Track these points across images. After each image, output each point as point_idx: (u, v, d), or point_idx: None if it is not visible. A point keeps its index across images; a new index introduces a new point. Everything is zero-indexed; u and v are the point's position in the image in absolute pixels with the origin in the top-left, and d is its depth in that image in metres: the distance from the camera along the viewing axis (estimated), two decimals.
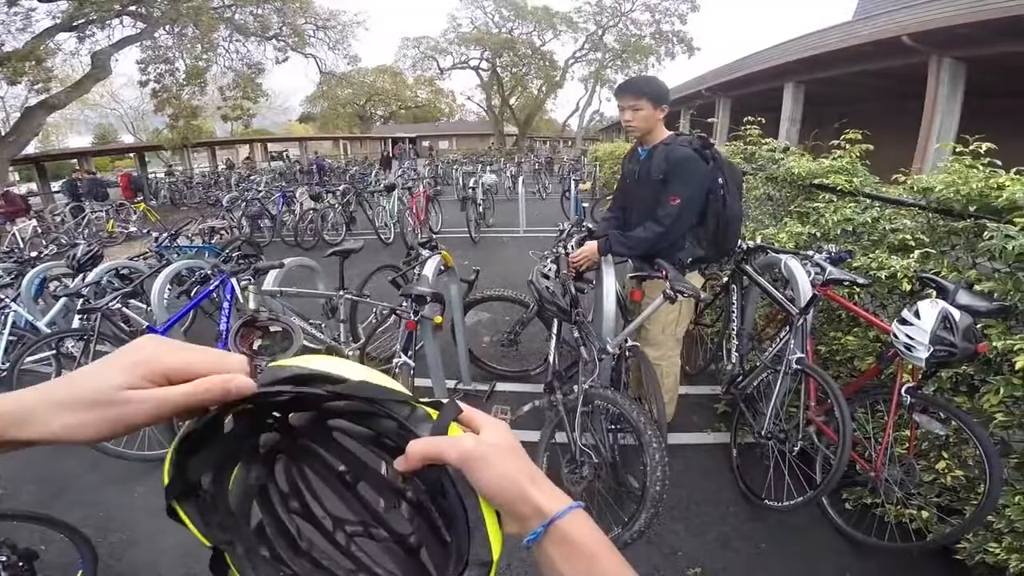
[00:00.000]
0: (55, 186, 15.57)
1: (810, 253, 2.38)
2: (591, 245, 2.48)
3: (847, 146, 3.13)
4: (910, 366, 1.88)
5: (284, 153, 28.70)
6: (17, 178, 19.08)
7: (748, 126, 4.16)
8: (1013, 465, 1.71)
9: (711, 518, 2.29)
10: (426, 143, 37.86)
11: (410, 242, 3.45)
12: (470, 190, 8.37)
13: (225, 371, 0.37)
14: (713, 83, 16.25)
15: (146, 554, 2.18)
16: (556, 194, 11.50)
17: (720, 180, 2.31)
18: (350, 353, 3.17)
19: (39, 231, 9.10)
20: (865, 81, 11.94)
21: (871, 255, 2.39)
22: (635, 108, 2.33)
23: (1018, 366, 1.59)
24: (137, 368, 0.36)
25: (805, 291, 2.26)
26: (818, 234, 2.84)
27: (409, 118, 40.03)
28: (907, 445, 1.97)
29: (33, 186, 17.94)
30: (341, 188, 9.22)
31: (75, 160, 19.83)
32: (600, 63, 27.96)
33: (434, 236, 3.58)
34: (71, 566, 1.99)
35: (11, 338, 3.37)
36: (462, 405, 0.44)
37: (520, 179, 9.73)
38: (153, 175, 18.28)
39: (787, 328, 2.35)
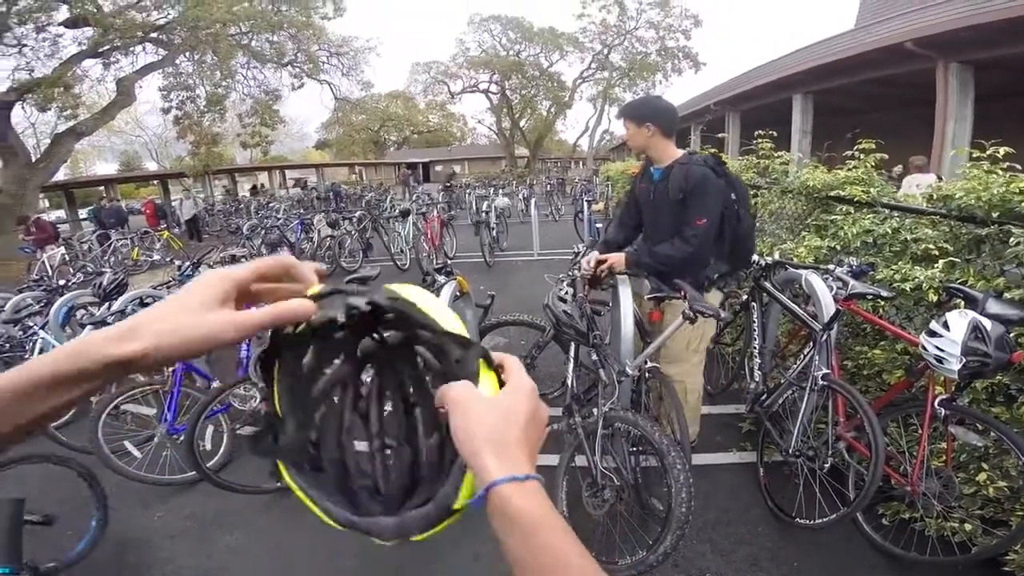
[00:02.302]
0: (82, 213, 16.03)
1: (831, 267, 2.36)
2: (616, 255, 2.48)
3: (861, 156, 3.10)
4: (942, 378, 1.84)
5: (305, 180, 29.32)
6: (47, 204, 19.70)
7: (760, 140, 4.16)
8: None
9: (739, 538, 2.24)
10: (439, 168, 38.43)
11: (425, 268, 3.47)
12: (483, 214, 8.43)
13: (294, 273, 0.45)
14: (721, 97, 16.32)
15: None
16: (569, 215, 11.55)
17: (732, 196, 2.33)
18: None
19: (67, 259, 9.36)
20: (874, 90, 11.89)
21: (894, 267, 2.36)
22: (626, 129, 2.44)
23: None
24: (214, 290, 0.40)
25: (827, 306, 2.23)
26: (838, 247, 2.81)
27: (422, 143, 40.74)
28: (944, 458, 1.93)
29: (62, 213, 18.50)
30: (357, 215, 9.34)
31: (102, 187, 20.48)
32: (608, 82, 28.27)
33: (449, 261, 3.60)
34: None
35: None
36: (500, 355, 0.47)
37: (533, 201, 9.80)
38: (177, 200, 18.77)
39: (811, 344, 2.31)
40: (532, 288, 6.18)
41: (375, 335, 0.49)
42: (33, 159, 12.27)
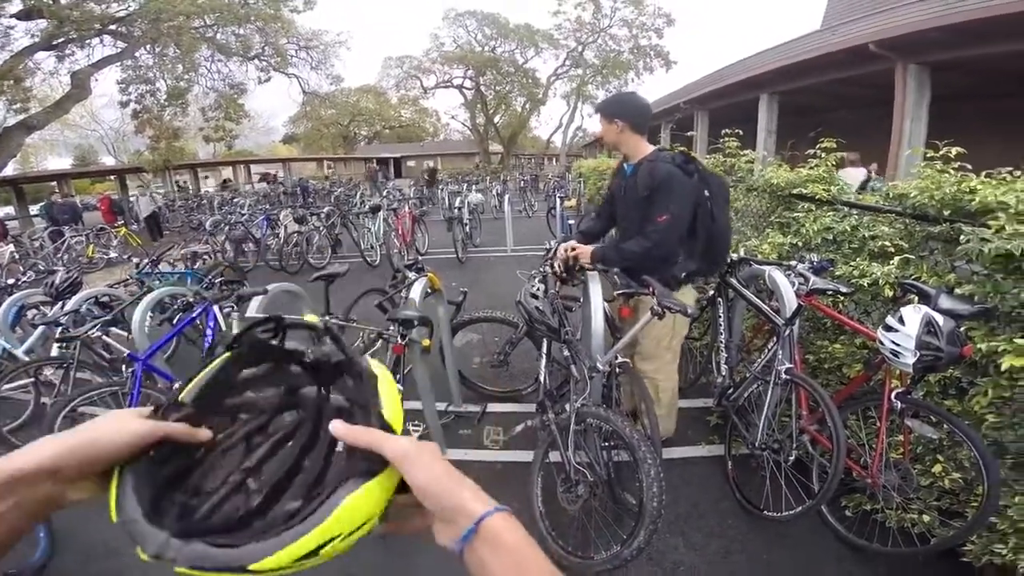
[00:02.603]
0: (33, 209, 15.27)
1: (793, 263, 2.42)
2: (585, 248, 2.50)
3: (823, 155, 3.18)
4: (898, 372, 1.90)
5: (272, 175, 28.55)
6: None
7: (726, 138, 4.23)
8: (1009, 466, 1.72)
9: (711, 531, 2.28)
10: (411, 163, 37.99)
11: (396, 264, 3.42)
12: (456, 210, 8.34)
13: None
14: (690, 96, 16.62)
15: None
16: (542, 211, 11.57)
17: (706, 193, 2.34)
18: None
19: (16, 256, 8.89)
20: (839, 90, 12.30)
21: (852, 263, 2.42)
22: (600, 125, 2.46)
23: (1003, 367, 1.61)
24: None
25: (790, 302, 2.28)
26: (799, 244, 2.88)
27: (393, 138, 40.21)
28: (902, 450, 1.98)
29: (11, 209, 17.58)
30: (326, 210, 9.15)
31: (54, 182, 19.54)
32: (581, 79, 28.45)
33: (420, 258, 3.56)
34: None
35: None
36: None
37: (506, 197, 9.77)
38: (135, 197, 18.02)
39: (774, 339, 2.36)
40: (505, 284, 6.16)
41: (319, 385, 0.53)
42: None
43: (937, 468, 1.91)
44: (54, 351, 3.28)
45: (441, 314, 3.10)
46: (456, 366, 3.31)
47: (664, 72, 28.49)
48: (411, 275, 2.95)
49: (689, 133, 8.35)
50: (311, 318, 0.56)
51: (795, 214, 3.03)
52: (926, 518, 1.90)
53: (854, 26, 10.39)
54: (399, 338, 2.40)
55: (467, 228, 8.51)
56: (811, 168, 3.14)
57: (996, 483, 1.61)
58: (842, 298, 2.32)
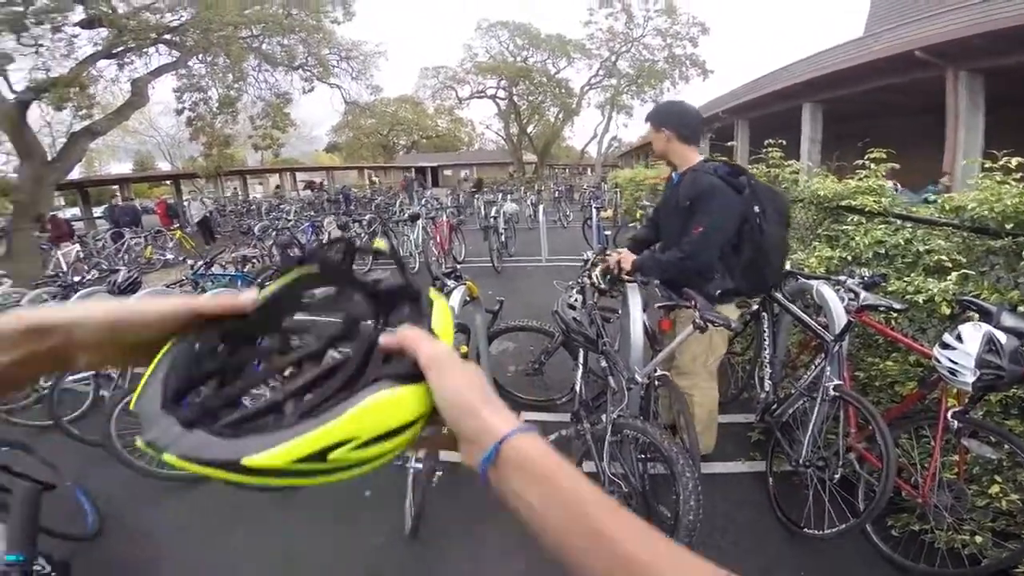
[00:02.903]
0: (97, 211, 16.23)
1: (842, 278, 2.34)
2: (628, 255, 2.50)
3: (872, 165, 3.08)
4: (955, 391, 1.83)
5: (317, 183, 29.50)
6: (62, 203, 19.96)
7: (769, 148, 4.15)
8: None
9: (748, 548, 2.23)
10: (447, 172, 38.55)
11: (434, 272, 3.48)
12: (492, 220, 8.41)
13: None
14: (729, 105, 16.28)
15: (172, 572, 2.25)
16: (577, 222, 11.53)
17: (756, 208, 2.26)
18: None
19: (81, 256, 9.46)
20: (884, 97, 11.84)
21: (906, 278, 2.34)
22: (651, 134, 2.44)
23: None
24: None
25: (839, 317, 2.21)
26: (849, 258, 2.80)
27: (430, 147, 40.95)
28: (956, 470, 1.92)
29: (77, 211, 18.72)
30: (367, 218, 9.43)
31: (116, 186, 20.73)
32: (616, 89, 28.34)
33: (458, 266, 3.62)
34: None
35: None
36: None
37: (541, 208, 9.79)
38: (187, 201, 18.91)
39: (822, 355, 2.29)
40: (540, 293, 6.20)
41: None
42: (49, 158, 12.44)
43: (994, 489, 1.83)
44: None
45: (478, 322, 3.14)
46: (491, 374, 3.34)
47: (701, 81, 28.10)
48: (450, 283, 3.00)
49: (729, 143, 8.21)
50: (379, 243, 0.52)
51: (844, 227, 2.95)
52: (979, 539, 1.83)
53: (899, 32, 10.02)
54: None
55: (503, 238, 8.57)
56: (860, 179, 3.05)
57: None
58: (895, 315, 2.25)
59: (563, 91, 29.76)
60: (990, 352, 1.60)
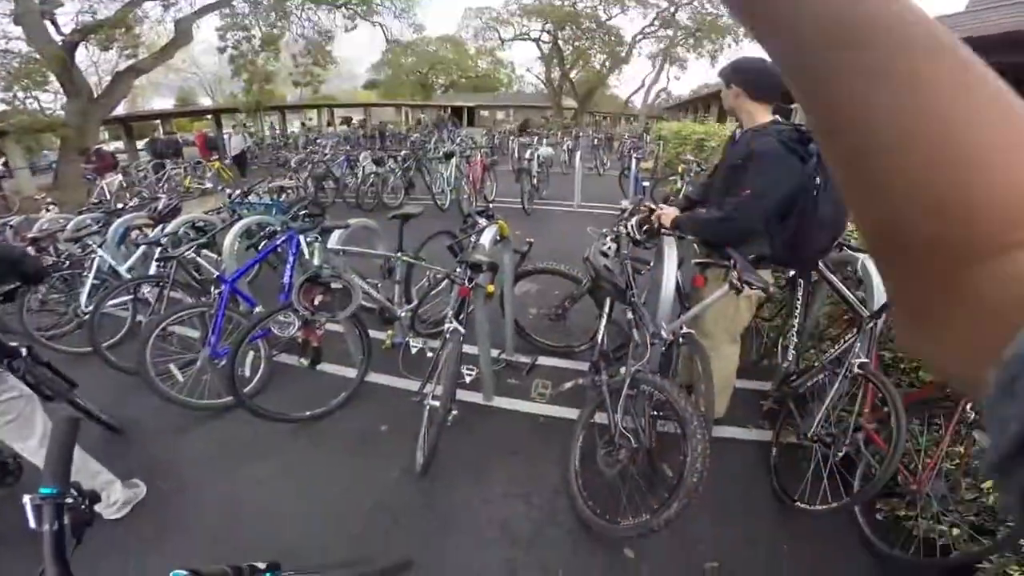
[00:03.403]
0: (140, 144, 16.67)
1: None
2: (670, 210, 2.40)
3: None
4: None
5: (352, 119, 29.35)
6: (107, 136, 20.61)
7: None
8: None
9: (738, 513, 2.23)
10: (484, 112, 37.62)
11: (465, 209, 3.46)
12: (526, 162, 8.28)
13: None
14: None
15: (191, 503, 2.29)
16: (614, 171, 11.19)
17: (818, 180, 2.09)
18: (402, 313, 3.24)
19: (124, 185, 9.76)
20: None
21: None
22: (725, 88, 2.25)
23: None
24: None
25: (880, 295, 2.13)
26: None
27: (469, 88, 39.92)
28: (957, 461, 1.90)
29: (120, 144, 19.25)
30: (402, 154, 9.40)
31: (158, 120, 21.12)
32: (671, 40, 26.63)
33: (490, 205, 3.58)
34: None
35: (95, 282, 3.64)
36: None
37: (578, 154, 9.52)
38: (227, 135, 19.16)
39: (854, 331, 2.22)
40: (569, 239, 6.12)
41: None
42: (95, 95, 12.75)
43: (988, 483, 1.82)
44: (152, 270, 3.55)
45: (507, 262, 3.11)
46: (514, 315, 3.35)
47: None
48: (482, 221, 2.97)
49: (793, 105, 7.69)
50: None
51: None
52: (956, 531, 1.84)
53: (1004, 11, 8.91)
54: (466, 281, 2.44)
55: (535, 180, 8.47)
56: None
57: None
58: None
59: (613, 38, 28.14)
60: None
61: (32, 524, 0.80)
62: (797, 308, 2.66)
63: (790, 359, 2.67)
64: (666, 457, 2.23)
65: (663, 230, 2.37)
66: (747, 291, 2.07)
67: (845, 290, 2.33)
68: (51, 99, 13.00)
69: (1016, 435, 0.17)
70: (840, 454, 2.12)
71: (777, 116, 2.22)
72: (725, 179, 2.23)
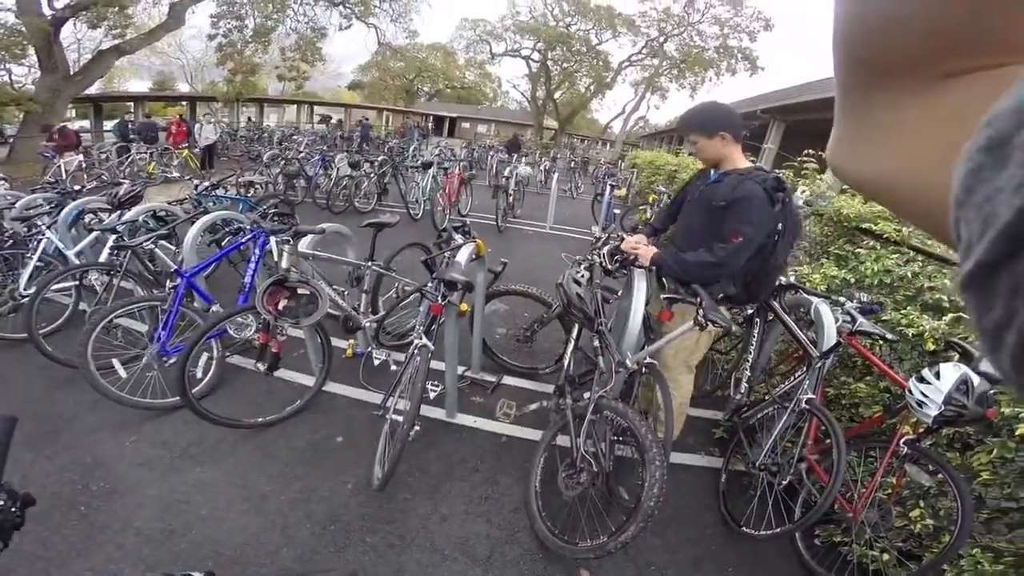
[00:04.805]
0: (107, 125, 15.99)
1: (841, 300, 2.39)
2: (648, 250, 2.40)
3: None
4: (914, 419, 1.94)
5: (330, 118, 28.92)
6: (73, 115, 19.72)
7: (804, 159, 4.05)
8: (982, 520, 1.81)
9: (688, 537, 2.32)
10: (465, 124, 37.80)
11: (439, 222, 3.44)
12: (504, 179, 8.33)
13: None
14: (771, 105, 15.74)
15: (125, 506, 2.15)
16: (587, 195, 11.41)
17: (779, 226, 2.20)
18: (367, 324, 3.19)
19: (84, 166, 9.30)
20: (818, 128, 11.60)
21: (903, 311, 2.38)
22: (693, 142, 2.29)
23: (1018, 432, 1.68)
24: None
25: (830, 337, 2.27)
26: (852, 280, 2.80)
27: (453, 97, 40.07)
28: (889, 491, 2.05)
29: (87, 123, 18.42)
30: (380, 159, 9.30)
31: (131, 103, 20.36)
32: (656, 70, 27.47)
33: (466, 220, 3.57)
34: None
35: (39, 264, 3.39)
36: None
37: (555, 176, 9.65)
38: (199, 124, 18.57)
39: (803, 368, 2.36)
40: (539, 259, 6.19)
41: None
42: (71, 72, 12.25)
43: (915, 513, 1.97)
44: (103, 257, 3.33)
45: (479, 281, 3.11)
46: (482, 334, 3.34)
47: (748, 76, 27.16)
48: (458, 238, 2.95)
49: (765, 145, 8.02)
50: None
51: (857, 249, 2.93)
52: (886, 557, 1.97)
53: None
54: (439, 298, 2.42)
55: (510, 199, 8.51)
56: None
57: (967, 533, 1.73)
58: (880, 342, 2.29)
59: (601, 63, 28.77)
60: (960, 391, 1.71)
61: None
62: (752, 344, 2.78)
63: (743, 391, 2.77)
64: (622, 480, 2.28)
65: (636, 265, 2.41)
66: (708, 327, 2.15)
67: (797, 330, 2.46)
68: (24, 72, 12.49)
69: (1015, 215, 0.12)
70: (784, 482, 2.23)
71: (754, 160, 2.31)
72: (705, 219, 2.28)
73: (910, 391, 1.83)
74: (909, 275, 2.55)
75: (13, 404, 2.67)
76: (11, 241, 3.58)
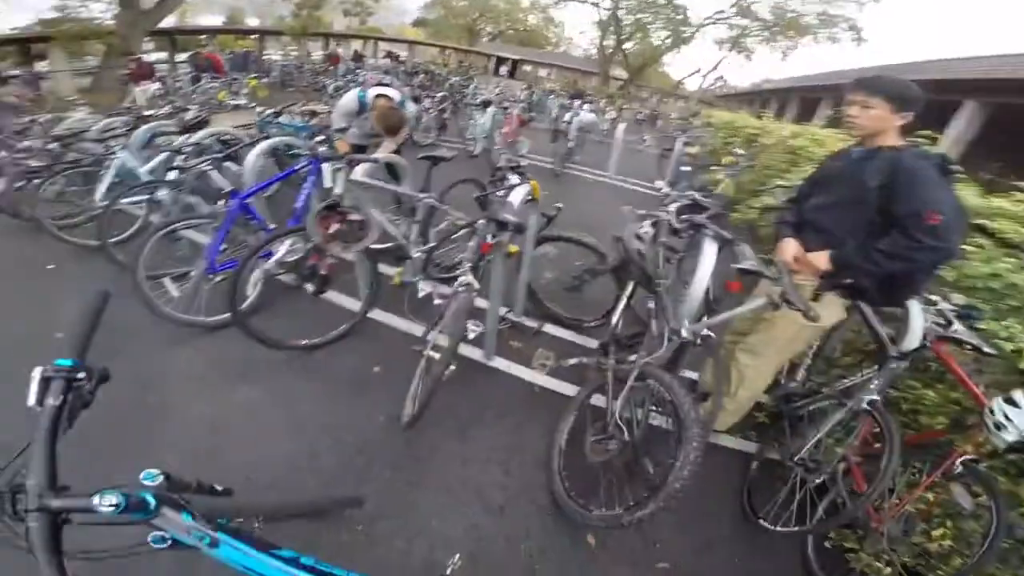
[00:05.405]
0: (181, 57, 16.41)
1: (935, 298, 2.07)
2: (820, 255, 2.02)
3: None
4: (979, 438, 1.78)
5: (396, 54, 28.61)
6: (152, 47, 20.46)
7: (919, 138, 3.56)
8: (1004, 549, 1.68)
9: (701, 521, 2.18)
10: (527, 67, 36.49)
11: (497, 161, 3.29)
12: (564, 124, 8.10)
13: None
14: (971, 76, 13.92)
15: (176, 422, 2.23)
16: (653, 150, 10.81)
17: None
18: (416, 254, 3.15)
19: (159, 93, 9.71)
20: None
21: (1005, 322, 2.05)
22: (865, 105, 1.91)
23: None
24: None
25: (915, 338, 1.96)
26: (951, 278, 2.42)
27: (515, 40, 38.68)
28: (924, 507, 1.90)
29: (163, 55, 19.07)
30: (440, 95, 9.25)
31: (204, 36, 20.84)
32: (743, 30, 25.23)
33: (521, 162, 3.40)
34: None
35: (114, 180, 3.63)
36: None
37: (622, 125, 9.21)
38: (268, 56, 18.85)
39: (873, 366, 2.12)
40: (597, 208, 5.99)
41: None
42: (145, 7, 12.54)
43: (938, 532, 1.84)
44: (172, 176, 3.49)
45: (531, 223, 2.98)
46: (528, 277, 3.23)
47: (855, 47, 24.52)
48: (513, 178, 2.82)
49: (948, 132, 7.07)
50: None
51: (962, 245, 2.54)
52: (888, 570, 1.84)
53: None
54: (490, 237, 2.33)
55: (570, 144, 8.29)
56: (1015, 201, 2.66)
57: (988, 561, 1.63)
58: (965, 349, 1.94)
59: (679, 17, 26.57)
60: None
61: (30, 401, 0.72)
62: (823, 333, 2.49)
63: (799, 379, 2.57)
64: (650, 452, 2.10)
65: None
66: (812, 322, 1.80)
67: (877, 323, 2.15)
68: (103, 8, 12.89)
69: None
70: (818, 481, 2.08)
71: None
72: (853, 205, 1.95)
73: (991, 411, 1.70)
74: (1021, 283, 2.19)
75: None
76: (90, 159, 3.81)
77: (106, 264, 3.13)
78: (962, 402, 2.06)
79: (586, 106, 10.48)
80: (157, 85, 10.02)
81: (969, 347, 1.87)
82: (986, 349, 1.84)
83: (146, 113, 4.67)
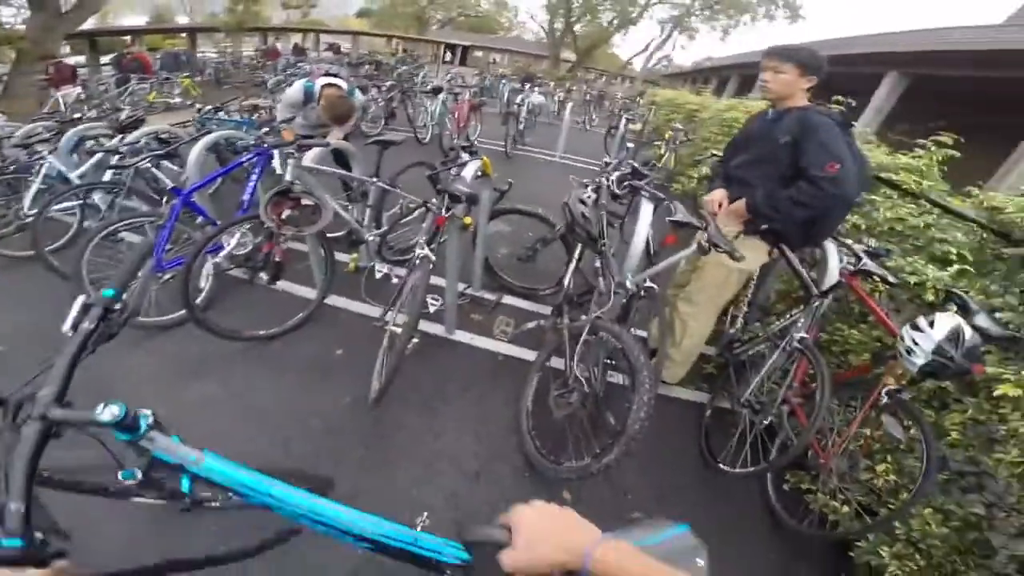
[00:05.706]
0: (104, 59, 15.51)
1: (848, 241, 2.33)
2: (740, 204, 2.28)
3: (932, 148, 3.03)
4: (899, 370, 1.90)
5: (338, 46, 27.82)
6: (68, 51, 19.17)
7: (836, 103, 3.86)
8: (941, 482, 1.77)
9: (666, 466, 2.35)
10: (478, 54, 36.16)
11: (447, 144, 3.33)
12: (515, 107, 8.19)
13: None
14: (890, 50, 14.62)
15: None
16: (600, 128, 11.04)
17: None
18: (370, 238, 3.18)
19: (82, 97, 9.19)
20: (982, 88, 10.70)
21: (908, 259, 2.33)
22: (777, 71, 2.17)
23: (996, 393, 1.68)
24: None
25: (832, 275, 2.22)
26: (863, 226, 2.77)
27: (466, 27, 38.17)
28: (862, 442, 2.05)
29: (82, 59, 17.96)
30: (388, 84, 9.10)
31: (128, 37, 19.67)
32: (687, 9, 25.74)
33: (473, 143, 3.47)
34: None
35: (42, 187, 3.39)
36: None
37: (569, 106, 9.35)
38: (202, 54, 18.01)
39: (800, 307, 2.31)
40: (545, 185, 6.10)
41: None
42: (63, 10, 11.73)
43: (882, 467, 1.96)
44: (107, 178, 3.35)
45: (484, 198, 3.06)
46: (484, 251, 3.32)
47: (788, 24, 25.46)
48: (465, 156, 2.90)
49: (873, 103, 7.50)
50: None
51: (873, 196, 2.90)
52: (845, 508, 1.97)
53: None
54: (443, 210, 2.39)
55: (521, 126, 8.40)
56: (913, 157, 3.01)
57: (924, 493, 1.70)
58: (881, 288, 2.24)
59: None
60: (950, 342, 1.66)
61: (66, 325, 0.80)
62: (754, 279, 2.72)
63: (738, 327, 2.76)
64: (611, 406, 2.28)
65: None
66: (738, 265, 2.13)
67: (800, 267, 2.35)
68: (12, 13, 11.97)
69: None
70: (765, 422, 2.25)
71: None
72: (770, 159, 2.20)
73: (902, 338, 1.80)
74: (921, 225, 2.50)
75: (24, 320, 2.68)
76: (13, 167, 3.59)
77: (45, 273, 2.97)
78: (883, 339, 2.26)
79: (536, 89, 10.56)
80: (79, 89, 9.48)
81: (877, 277, 2.09)
82: (891, 279, 2.07)
83: (73, 116, 4.49)
